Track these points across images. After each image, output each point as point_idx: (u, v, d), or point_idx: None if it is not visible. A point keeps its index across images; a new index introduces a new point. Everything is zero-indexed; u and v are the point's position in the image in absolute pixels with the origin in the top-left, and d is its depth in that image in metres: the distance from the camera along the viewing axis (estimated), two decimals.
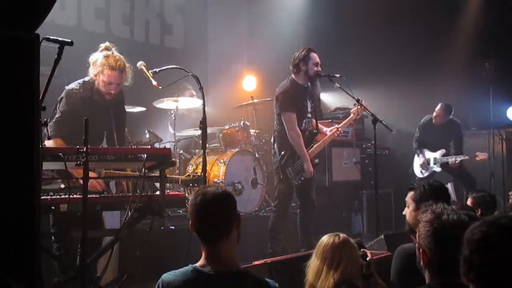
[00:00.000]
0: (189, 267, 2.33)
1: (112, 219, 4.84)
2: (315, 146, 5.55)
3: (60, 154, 3.21)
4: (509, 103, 8.21)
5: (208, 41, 9.11)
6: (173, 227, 5.56)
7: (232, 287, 2.32)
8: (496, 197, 4.63)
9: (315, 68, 5.46)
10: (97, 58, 4.26)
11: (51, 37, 2.95)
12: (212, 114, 6.44)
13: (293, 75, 5.53)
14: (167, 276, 2.33)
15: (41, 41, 2.23)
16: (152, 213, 3.69)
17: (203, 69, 8.33)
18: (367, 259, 2.73)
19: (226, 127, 6.75)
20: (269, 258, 3.81)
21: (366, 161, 7.57)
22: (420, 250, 2.18)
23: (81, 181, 3.18)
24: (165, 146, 6.49)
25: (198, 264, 2.34)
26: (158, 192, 3.69)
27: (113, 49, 4.33)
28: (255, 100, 7.17)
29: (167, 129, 7.02)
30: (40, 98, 2.36)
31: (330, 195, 7.14)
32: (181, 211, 5.87)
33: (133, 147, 5.56)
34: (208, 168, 5.84)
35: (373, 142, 5.66)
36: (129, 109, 6.35)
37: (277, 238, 5.49)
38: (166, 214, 5.39)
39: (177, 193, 4.44)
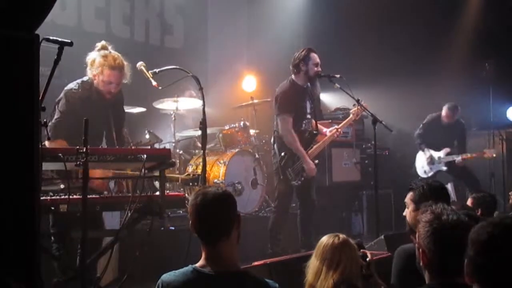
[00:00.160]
0: (189, 267, 2.33)
1: (112, 220, 4.83)
2: (314, 147, 5.55)
3: (60, 154, 3.21)
4: (509, 103, 8.21)
5: (208, 41, 9.11)
6: (173, 228, 5.55)
7: (232, 287, 2.32)
8: (496, 197, 4.63)
9: (315, 69, 5.46)
10: (94, 57, 4.25)
11: (51, 38, 2.95)
12: (212, 114, 6.43)
13: (292, 76, 5.53)
14: (167, 276, 2.33)
15: (41, 42, 2.23)
16: (152, 213, 3.69)
17: (203, 69, 8.33)
18: (367, 259, 2.73)
19: (226, 127, 6.74)
20: (269, 259, 3.81)
21: (366, 162, 7.56)
22: (420, 250, 2.18)
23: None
24: (165, 147, 6.48)
25: (198, 264, 2.34)
26: (158, 193, 3.69)
27: (109, 47, 4.33)
28: (255, 101, 7.17)
29: (167, 130, 7.01)
30: (40, 98, 2.37)
31: (330, 195, 7.13)
32: (181, 212, 5.87)
33: (133, 147, 5.56)
34: (208, 168, 5.86)
35: (373, 142, 5.65)
36: (129, 109, 6.35)
37: (277, 238, 5.49)
38: (166, 214, 5.38)
39: (177, 193, 4.44)
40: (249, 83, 8.81)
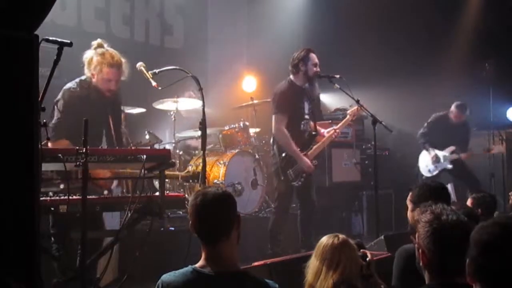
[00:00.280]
0: (189, 267, 2.33)
1: (112, 220, 4.83)
2: (314, 147, 5.54)
3: (60, 155, 3.21)
4: (509, 103, 8.21)
5: (208, 41, 9.11)
6: (173, 228, 5.55)
7: None
8: (496, 197, 4.63)
9: (314, 69, 5.46)
10: (91, 56, 4.25)
11: (50, 38, 2.95)
12: (212, 114, 6.43)
13: (291, 76, 5.53)
14: (167, 276, 2.33)
15: (40, 42, 2.23)
16: (152, 214, 3.69)
17: (203, 69, 8.33)
18: (367, 259, 2.73)
19: (226, 128, 6.74)
20: (269, 259, 3.81)
21: (366, 162, 7.57)
22: (420, 250, 2.17)
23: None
24: (164, 147, 6.48)
25: (198, 264, 2.34)
26: (157, 193, 3.69)
27: (105, 45, 4.33)
28: (255, 101, 7.17)
29: (167, 130, 7.01)
30: (40, 98, 2.37)
31: (330, 195, 7.13)
32: (181, 212, 5.87)
33: (132, 148, 5.56)
34: (208, 169, 5.86)
35: (373, 142, 5.65)
36: (129, 110, 6.36)
37: (277, 238, 5.49)
38: (166, 215, 5.39)
39: (176, 194, 4.45)
40: (249, 84, 8.82)
